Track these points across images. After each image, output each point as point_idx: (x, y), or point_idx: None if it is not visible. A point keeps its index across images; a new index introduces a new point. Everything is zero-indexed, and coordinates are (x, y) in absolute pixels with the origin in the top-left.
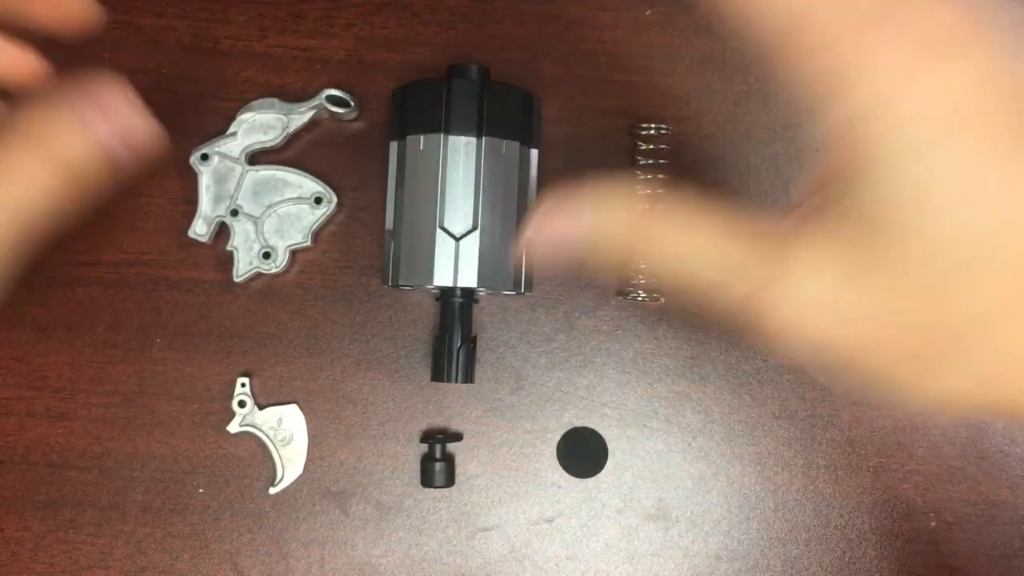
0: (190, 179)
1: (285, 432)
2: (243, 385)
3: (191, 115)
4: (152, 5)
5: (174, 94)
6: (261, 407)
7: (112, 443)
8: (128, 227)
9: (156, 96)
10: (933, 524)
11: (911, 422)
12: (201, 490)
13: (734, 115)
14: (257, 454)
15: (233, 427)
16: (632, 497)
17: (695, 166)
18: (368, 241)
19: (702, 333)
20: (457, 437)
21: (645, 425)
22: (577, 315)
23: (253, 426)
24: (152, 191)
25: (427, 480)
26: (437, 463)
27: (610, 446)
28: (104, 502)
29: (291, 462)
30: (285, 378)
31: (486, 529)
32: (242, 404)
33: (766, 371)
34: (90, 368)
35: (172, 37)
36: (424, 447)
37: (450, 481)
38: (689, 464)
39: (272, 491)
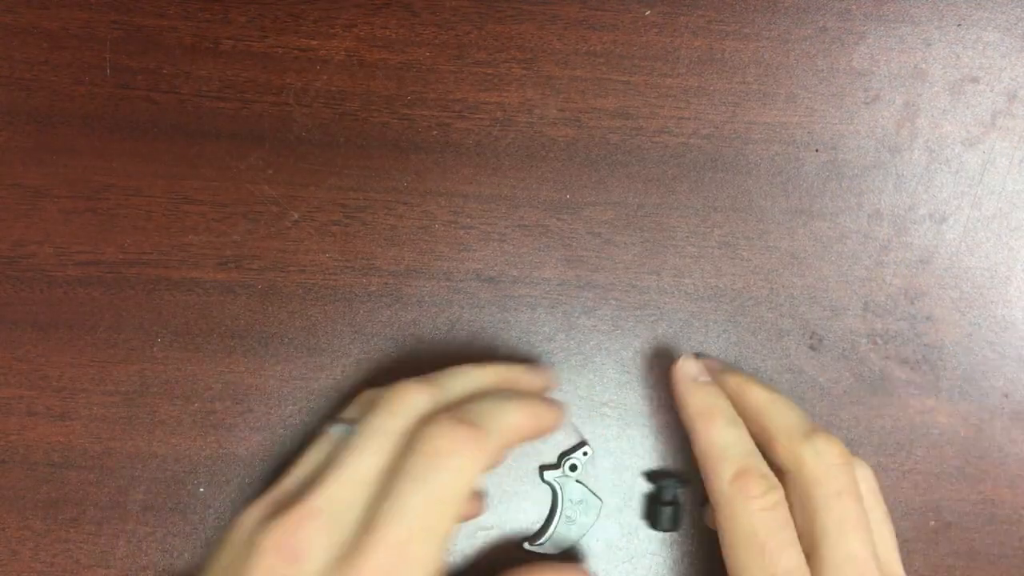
0: (191, 179)
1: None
2: (585, 453)
3: (191, 115)
4: (153, 5)
5: (174, 94)
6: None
7: (113, 442)
8: (129, 227)
9: (156, 96)
10: (932, 523)
11: (910, 421)
12: (202, 489)
13: (734, 115)
14: (258, 453)
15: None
16: (631, 496)
17: (695, 166)
18: (368, 241)
19: (701, 333)
20: (685, 482)
21: (644, 424)
22: (577, 315)
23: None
24: (153, 191)
25: (657, 524)
26: (666, 507)
27: (609, 446)
28: (105, 501)
29: (570, 522)
30: (285, 378)
31: (486, 528)
32: (573, 468)
33: (765, 371)
34: (91, 368)
35: (173, 37)
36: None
37: (677, 525)
38: (689, 464)
39: (529, 546)
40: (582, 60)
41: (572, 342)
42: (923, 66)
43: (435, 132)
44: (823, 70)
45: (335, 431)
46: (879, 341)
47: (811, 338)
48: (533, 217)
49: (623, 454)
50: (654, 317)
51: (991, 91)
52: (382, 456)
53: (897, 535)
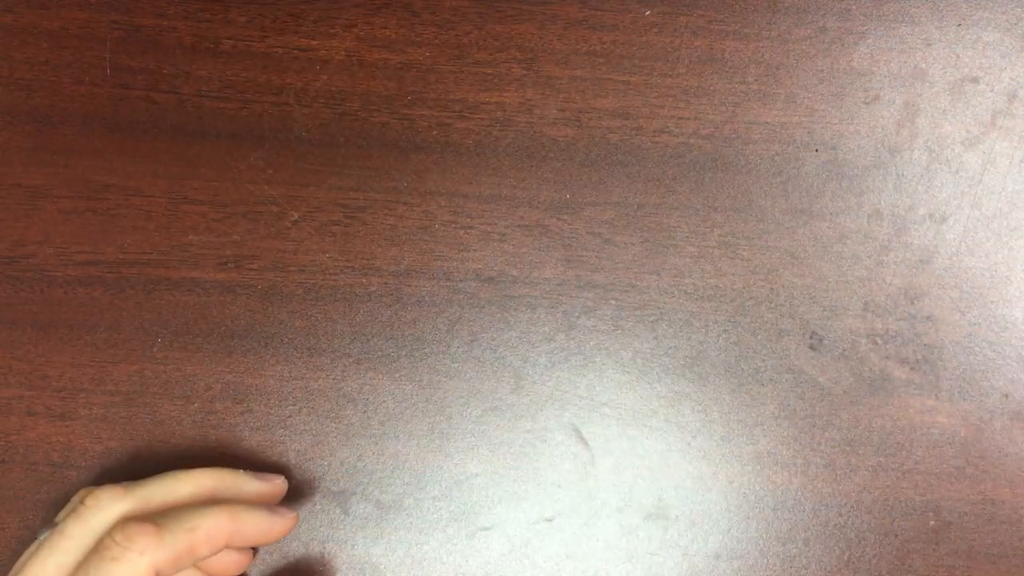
0: (191, 179)
1: None
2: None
3: (191, 115)
4: (153, 5)
5: (174, 94)
6: None
7: (113, 443)
8: (129, 227)
9: (156, 96)
10: (932, 523)
11: (910, 421)
12: None
13: (734, 115)
14: (258, 453)
15: None
16: (631, 496)
17: (695, 166)
18: (368, 241)
19: (701, 333)
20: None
21: (644, 424)
22: (577, 315)
23: None
24: (153, 191)
25: None
26: None
27: (610, 446)
28: None
29: None
30: (285, 378)
31: (486, 528)
32: None
33: (765, 371)
34: (91, 368)
35: (173, 37)
36: None
37: None
38: (688, 463)
39: None
40: (582, 60)
41: (572, 342)
42: (923, 66)
43: (435, 132)
44: (823, 70)
45: (42, 535)
46: (879, 341)
47: (811, 338)
48: (533, 217)
49: (623, 454)
50: (654, 317)
51: (991, 91)
52: (68, 556)
53: (897, 535)
